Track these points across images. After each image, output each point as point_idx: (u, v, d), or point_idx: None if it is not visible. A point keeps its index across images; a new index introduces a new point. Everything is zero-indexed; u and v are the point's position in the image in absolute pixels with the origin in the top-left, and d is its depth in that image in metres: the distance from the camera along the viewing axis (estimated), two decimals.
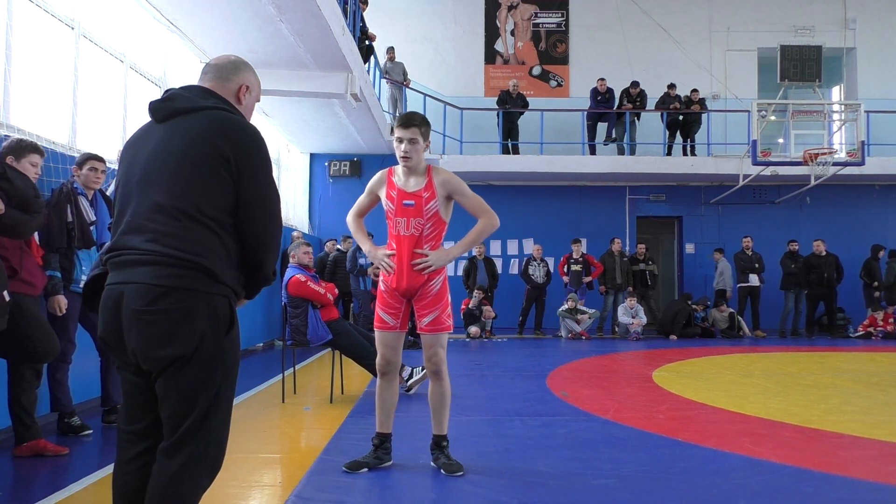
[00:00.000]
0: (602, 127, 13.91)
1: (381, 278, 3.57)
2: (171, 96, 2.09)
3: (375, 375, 5.90)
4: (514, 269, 13.71)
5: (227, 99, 2.15)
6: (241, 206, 2.01)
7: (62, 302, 4.19)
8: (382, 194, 3.56)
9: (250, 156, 2.02)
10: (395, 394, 3.65)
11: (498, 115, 13.44)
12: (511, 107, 13.36)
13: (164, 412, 1.96)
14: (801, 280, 12.12)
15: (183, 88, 2.13)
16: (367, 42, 11.39)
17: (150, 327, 1.90)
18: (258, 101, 2.30)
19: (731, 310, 12.10)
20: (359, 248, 11.08)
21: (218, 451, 1.99)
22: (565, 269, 12.17)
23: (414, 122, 3.43)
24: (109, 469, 3.61)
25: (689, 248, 14.31)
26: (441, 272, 3.52)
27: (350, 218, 3.76)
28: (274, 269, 2.15)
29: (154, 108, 2.08)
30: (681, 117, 13.63)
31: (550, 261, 12.83)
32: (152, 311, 1.90)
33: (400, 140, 3.43)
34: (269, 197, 2.07)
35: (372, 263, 4.62)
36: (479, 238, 3.57)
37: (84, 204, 4.42)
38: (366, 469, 3.54)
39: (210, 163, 1.96)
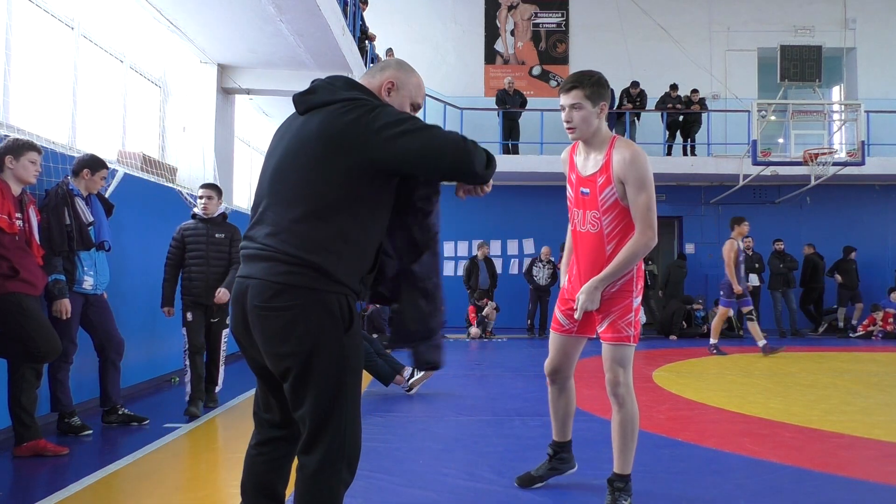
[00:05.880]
0: None
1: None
2: (313, 88, 2.05)
3: (375, 377, 5.95)
4: (515, 269, 13.71)
5: (373, 91, 2.07)
6: (404, 167, 1.92)
7: (66, 306, 4.19)
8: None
9: (376, 120, 1.90)
10: (568, 402, 3.30)
11: (498, 114, 13.44)
12: (510, 104, 13.35)
13: (295, 413, 1.97)
14: (790, 279, 12.45)
15: (328, 79, 2.07)
16: (366, 42, 11.38)
17: (269, 324, 1.91)
18: (414, 100, 2.14)
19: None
20: None
21: (353, 445, 1.98)
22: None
23: (575, 83, 2.83)
24: (109, 469, 3.62)
25: (689, 248, 14.30)
26: (629, 272, 2.87)
27: None
28: (485, 160, 1.99)
29: (295, 101, 2.05)
30: (681, 117, 13.64)
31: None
32: (269, 307, 1.90)
33: (562, 107, 2.91)
34: (425, 140, 1.91)
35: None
36: (633, 262, 2.82)
37: (81, 205, 4.41)
38: (539, 484, 3.29)
39: (332, 154, 1.90)
